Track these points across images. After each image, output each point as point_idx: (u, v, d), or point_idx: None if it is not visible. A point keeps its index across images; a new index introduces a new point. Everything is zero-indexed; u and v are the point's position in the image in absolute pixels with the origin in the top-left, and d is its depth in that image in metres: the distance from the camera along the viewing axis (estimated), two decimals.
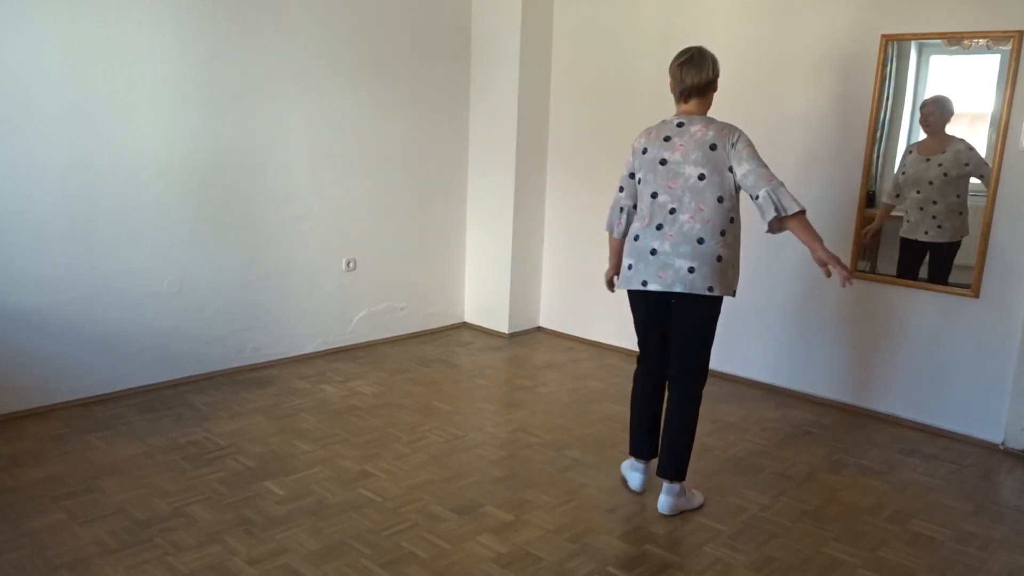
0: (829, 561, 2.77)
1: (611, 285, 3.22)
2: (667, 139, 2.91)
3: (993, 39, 3.62)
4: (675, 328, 2.97)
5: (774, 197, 2.75)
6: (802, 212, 2.78)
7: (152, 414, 3.80)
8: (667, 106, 4.72)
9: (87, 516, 2.86)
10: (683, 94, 2.93)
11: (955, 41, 3.74)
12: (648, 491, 3.20)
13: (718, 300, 2.92)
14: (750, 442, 3.76)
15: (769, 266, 4.42)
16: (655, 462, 3.10)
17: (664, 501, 3.02)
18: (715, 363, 4.69)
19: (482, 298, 5.52)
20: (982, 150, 3.70)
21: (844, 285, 2.80)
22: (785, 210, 2.74)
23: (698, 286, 2.83)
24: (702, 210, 2.84)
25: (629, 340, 5.09)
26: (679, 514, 3.03)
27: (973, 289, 3.77)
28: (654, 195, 2.91)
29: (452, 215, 5.41)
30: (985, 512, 3.18)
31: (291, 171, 4.47)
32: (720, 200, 2.85)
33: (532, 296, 5.50)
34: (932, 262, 3.92)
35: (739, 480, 3.36)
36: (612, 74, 4.95)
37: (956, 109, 3.80)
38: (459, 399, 4.19)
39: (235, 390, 4.16)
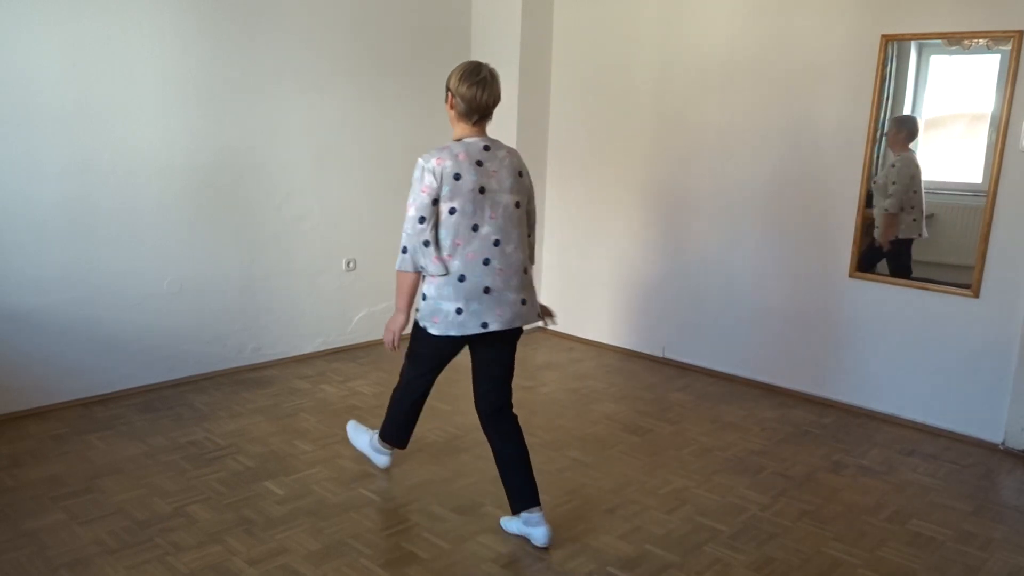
0: (829, 561, 2.77)
1: (394, 344, 2.84)
2: (479, 164, 2.67)
3: (993, 39, 3.62)
4: (498, 361, 2.81)
5: (533, 248, 2.92)
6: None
7: (152, 414, 3.80)
8: (667, 106, 4.75)
9: (87, 516, 2.86)
10: (478, 113, 2.69)
11: (955, 41, 3.74)
12: (625, 488, 3.20)
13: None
14: (750, 442, 3.76)
15: (769, 267, 4.42)
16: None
17: (544, 533, 2.76)
18: (715, 363, 4.71)
19: None
20: (982, 150, 3.71)
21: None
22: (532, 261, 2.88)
23: (531, 318, 2.79)
24: (523, 239, 2.79)
25: (629, 340, 5.10)
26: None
27: (973, 289, 3.77)
28: (475, 227, 2.66)
29: None
30: (985, 512, 3.18)
31: (291, 171, 4.47)
32: (527, 226, 2.86)
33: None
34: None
35: (739, 480, 3.36)
36: (612, 74, 4.95)
37: (956, 109, 3.81)
38: (459, 399, 4.19)
39: (235, 390, 4.16)
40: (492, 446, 2.88)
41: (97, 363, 3.91)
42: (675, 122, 4.70)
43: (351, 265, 4.87)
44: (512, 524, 2.87)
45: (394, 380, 3.33)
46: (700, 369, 4.78)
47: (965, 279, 3.79)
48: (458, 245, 2.66)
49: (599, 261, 5.18)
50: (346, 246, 4.83)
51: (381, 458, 3.28)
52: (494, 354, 2.80)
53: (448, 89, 2.70)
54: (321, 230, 4.67)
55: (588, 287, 5.26)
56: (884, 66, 3.90)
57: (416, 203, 2.64)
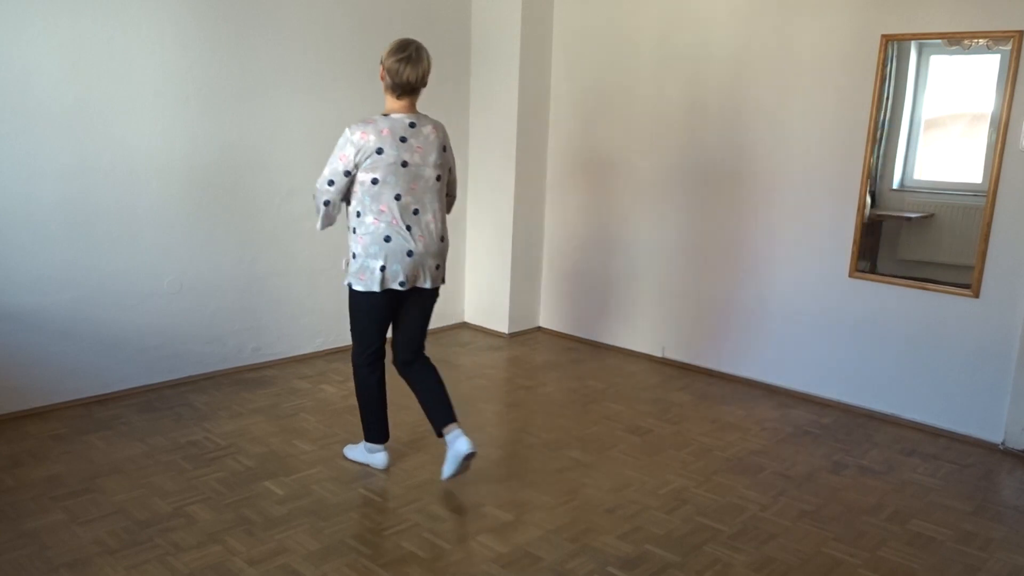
0: (829, 561, 2.77)
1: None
2: (403, 140, 2.96)
3: (993, 39, 3.62)
4: (412, 315, 3.19)
5: (452, 205, 3.27)
6: None
7: (152, 414, 3.80)
8: (667, 106, 4.75)
9: (87, 516, 2.86)
10: (403, 90, 2.97)
11: (955, 41, 3.74)
12: (625, 488, 3.21)
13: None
14: (750, 442, 3.77)
15: (768, 266, 4.42)
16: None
17: (464, 442, 3.04)
18: (715, 363, 4.72)
19: (482, 298, 5.52)
20: (982, 150, 3.71)
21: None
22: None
23: (439, 280, 3.16)
24: (439, 209, 3.09)
25: (629, 340, 5.10)
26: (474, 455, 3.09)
27: (973, 289, 3.77)
28: (398, 196, 2.98)
29: (452, 215, 5.39)
30: (985, 512, 3.18)
31: (291, 171, 4.47)
32: (447, 196, 3.19)
33: (532, 296, 5.50)
34: None
35: (739, 480, 3.36)
36: (612, 74, 4.95)
37: (956, 109, 3.81)
38: (459, 399, 4.17)
39: (235, 390, 4.16)
40: (412, 387, 3.24)
41: (97, 363, 3.91)
42: (675, 122, 4.70)
43: (348, 266, 4.86)
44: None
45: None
46: (700, 369, 4.78)
47: (965, 279, 3.79)
48: (382, 211, 2.97)
49: (599, 261, 5.18)
50: (346, 246, 4.81)
51: (377, 456, 3.32)
52: (415, 311, 3.18)
53: (381, 62, 2.97)
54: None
55: (588, 287, 5.26)
56: (884, 66, 3.90)
57: (331, 167, 2.98)
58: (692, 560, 2.74)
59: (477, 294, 5.54)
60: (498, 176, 5.25)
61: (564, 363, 4.88)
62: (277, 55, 4.30)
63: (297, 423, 3.78)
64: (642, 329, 5.03)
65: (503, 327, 5.40)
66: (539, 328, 5.58)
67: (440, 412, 3.13)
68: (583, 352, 5.11)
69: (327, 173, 2.98)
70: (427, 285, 3.09)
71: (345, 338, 4.91)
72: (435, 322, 5.42)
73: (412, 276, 3.04)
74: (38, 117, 3.55)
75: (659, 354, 4.97)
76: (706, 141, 4.58)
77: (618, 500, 3.15)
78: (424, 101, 5.08)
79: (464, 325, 5.61)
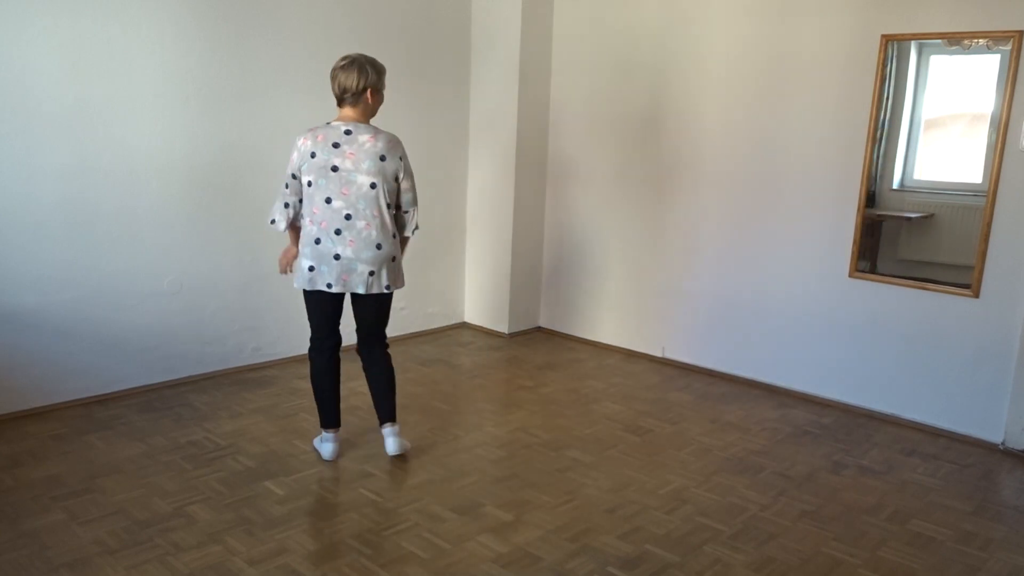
0: (829, 561, 2.77)
1: (284, 270, 3.39)
2: (336, 145, 3.08)
3: (993, 39, 3.62)
4: (361, 316, 3.32)
5: (415, 218, 3.31)
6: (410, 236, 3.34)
7: (152, 414, 3.80)
8: (667, 106, 4.75)
9: (87, 516, 2.86)
10: (339, 99, 3.12)
11: (955, 41, 3.74)
12: (625, 488, 3.21)
13: (391, 293, 3.30)
14: (750, 442, 3.76)
15: (768, 266, 4.42)
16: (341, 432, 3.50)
17: (394, 443, 3.38)
18: (715, 363, 4.72)
19: (482, 298, 5.52)
20: (982, 150, 3.71)
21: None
22: (414, 230, 3.32)
23: (376, 287, 3.20)
24: (376, 216, 3.13)
25: (629, 340, 5.10)
26: (404, 453, 3.42)
27: (973, 289, 3.77)
28: (328, 200, 3.08)
29: (452, 215, 5.41)
30: (985, 512, 3.18)
31: None
32: (389, 206, 3.17)
33: (532, 296, 5.50)
34: None
35: (739, 480, 3.36)
36: (612, 74, 4.95)
37: (956, 109, 3.81)
38: (459, 399, 4.19)
39: (235, 390, 4.16)
40: (364, 373, 3.43)
41: (97, 363, 3.91)
42: (675, 122, 4.70)
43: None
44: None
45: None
46: (700, 369, 4.78)
47: (965, 279, 3.79)
48: (315, 212, 3.11)
49: (599, 261, 5.18)
50: None
51: (325, 447, 3.41)
52: (362, 311, 3.31)
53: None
54: None
55: (588, 287, 5.26)
56: (884, 66, 3.90)
57: (286, 171, 3.19)
58: (692, 560, 2.74)
59: (477, 294, 5.54)
60: (498, 176, 5.25)
61: (564, 363, 4.88)
62: (277, 55, 4.30)
63: (297, 423, 3.78)
64: (642, 329, 5.03)
65: (503, 327, 5.40)
66: (539, 328, 5.58)
67: (380, 408, 3.40)
68: (583, 352, 5.11)
69: (284, 178, 3.21)
70: (360, 291, 3.16)
71: (345, 338, 4.91)
72: (435, 322, 5.46)
73: (341, 280, 3.13)
74: (38, 117, 3.55)
75: (659, 354, 4.97)
76: (706, 141, 4.58)
77: (618, 500, 3.15)
78: (425, 101, 5.12)
79: (464, 325, 5.61)
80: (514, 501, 3.11)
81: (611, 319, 5.17)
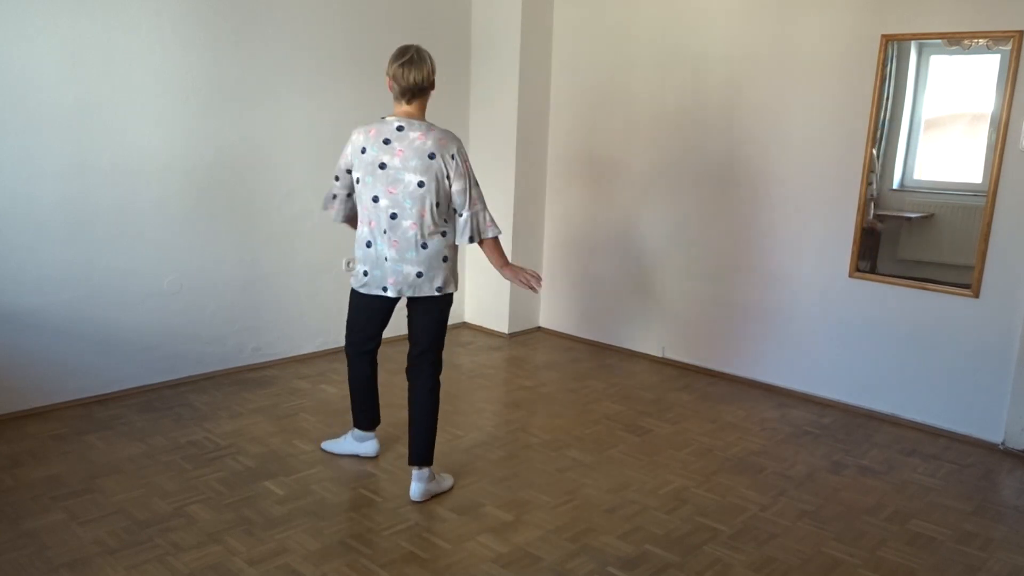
0: (829, 561, 2.77)
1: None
2: (386, 142, 2.94)
3: (993, 39, 3.62)
4: (412, 324, 3.12)
5: (474, 222, 3.00)
6: (494, 238, 3.06)
7: (152, 414, 3.80)
8: (666, 105, 4.75)
9: (87, 516, 2.86)
10: (404, 94, 2.95)
11: (955, 41, 3.74)
12: (625, 488, 3.21)
13: (449, 296, 3.08)
14: (750, 442, 3.77)
15: (769, 266, 4.42)
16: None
17: (417, 488, 3.07)
18: (715, 363, 4.71)
19: (482, 298, 5.52)
20: (982, 150, 3.71)
21: (536, 290, 3.09)
22: (481, 235, 3.02)
23: (426, 289, 3.00)
24: (423, 216, 2.94)
25: (629, 340, 5.10)
26: (430, 499, 3.10)
27: (973, 289, 3.77)
28: (375, 199, 2.95)
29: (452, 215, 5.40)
30: (985, 512, 3.18)
31: (291, 171, 4.47)
32: (438, 205, 2.96)
33: (532, 296, 5.50)
34: None
35: (739, 480, 3.36)
36: (612, 74, 4.95)
37: (956, 109, 3.81)
38: (459, 399, 4.19)
39: (235, 390, 4.16)
40: (408, 395, 3.14)
41: (97, 363, 3.91)
42: (675, 121, 4.70)
43: (351, 265, 4.86)
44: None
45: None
46: (700, 369, 4.78)
47: (965, 279, 3.79)
48: (364, 211, 3.00)
49: (600, 261, 5.18)
50: (346, 246, 4.82)
51: (366, 445, 3.40)
52: (413, 316, 3.11)
53: (386, 74, 2.96)
54: (321, 230, 4.67)
55: (588, 287, 5.26)
56: (884, 66, 3.90)
57: (337, 164, 3.10)
58: (692, 560, 2.74)
59: (477, 294, 5.54)
60: (498, 175, 5.25)
61: (564, 363, 4.88)
62: (277, 55, 4.30)
63: (297, 423, 3.78)
64: (642, 329, 5.03)
65: (503, 327, 5.40)
66: (539, 328, 5.58)
67: (411, 444, 3.09)
68: (583, 352, 5.11)
69: (335, 170, 3.13)
70: (410, 294, 3.00)
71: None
72: None
73: (394, 283, 2.98)
74: (38, 117, 3.55)
75: (659, 354, 4.97)
76: (706, 141, 4.58)
77: (618, 500, 3.15)
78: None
79: (464, 325, 5.61)
80: (514, 501, 3.11)
81: (611, 319, 5.17)
